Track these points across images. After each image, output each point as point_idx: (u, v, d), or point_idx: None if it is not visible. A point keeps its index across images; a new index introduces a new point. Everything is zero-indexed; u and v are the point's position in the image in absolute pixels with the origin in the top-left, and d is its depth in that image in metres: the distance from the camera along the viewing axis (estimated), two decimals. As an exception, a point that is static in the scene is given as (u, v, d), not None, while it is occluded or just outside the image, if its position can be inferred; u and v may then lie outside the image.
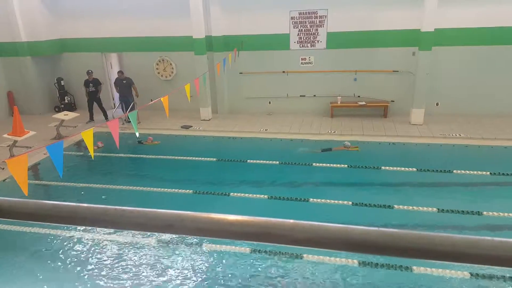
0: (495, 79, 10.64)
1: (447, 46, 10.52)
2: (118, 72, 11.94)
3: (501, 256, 0.81)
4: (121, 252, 5.65)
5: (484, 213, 6.11)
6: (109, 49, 13.19)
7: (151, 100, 9.17)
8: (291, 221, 0.80)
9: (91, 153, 5.52)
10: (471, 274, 4.77)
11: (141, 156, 9.55)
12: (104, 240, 5.93)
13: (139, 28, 12.33)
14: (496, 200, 6.66)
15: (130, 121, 7.08)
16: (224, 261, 5.40)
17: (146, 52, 12.58)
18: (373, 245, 0.80)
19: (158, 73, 12.74)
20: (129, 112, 10.12)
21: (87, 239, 5.99)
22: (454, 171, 7.60)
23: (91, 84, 11.86)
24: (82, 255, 5.60)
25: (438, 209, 6.27)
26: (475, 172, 7.52)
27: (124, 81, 11.67)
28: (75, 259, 5.51)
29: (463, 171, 7.57)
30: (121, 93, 11.77)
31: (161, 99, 7.27)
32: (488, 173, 7.45)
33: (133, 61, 12.88)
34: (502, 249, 0.82)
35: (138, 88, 11.90)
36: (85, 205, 0.86)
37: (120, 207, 0.82)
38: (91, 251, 5.68)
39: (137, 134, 6.93)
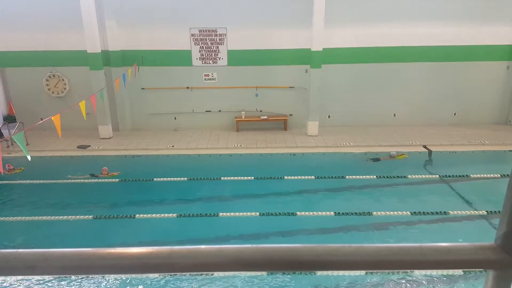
0: (376, 93, 12.03)
1: (335, 64, 11.59)
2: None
3: (359, 261, 0.91)
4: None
5: (374, 213, 6.83)
6: (-13, 64, 11.67)
7: (41, 119, 8.32)
8: (168, 248, 0.80)
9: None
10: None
11: (32, 181, 8.54)
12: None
13: (23, 41, 11.15)
14: (382, 201, 7.48)
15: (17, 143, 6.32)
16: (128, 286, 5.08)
17: (33, 68, 11.41)
18: (248, 262, 0.84)
19: (49, 89, 11.62)
20: (14, 133, 9.01)
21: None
22: (347, 176, 8.35)
23: None
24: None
25: (335, 212, 6.82)
26: (364, 177, 8.35)
27: None
28: None
29: (354, 176, 8.35)
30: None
31: (52, 118, 6.66)
32: (375, 176, 8.35)
33: (19, 77, 11.56)
34: (359, 254, 0.92)
35: (25, 106, 10.73)
36: None
37: (-27, 253, 0.74)
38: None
39: (29, 158, 6.21)
